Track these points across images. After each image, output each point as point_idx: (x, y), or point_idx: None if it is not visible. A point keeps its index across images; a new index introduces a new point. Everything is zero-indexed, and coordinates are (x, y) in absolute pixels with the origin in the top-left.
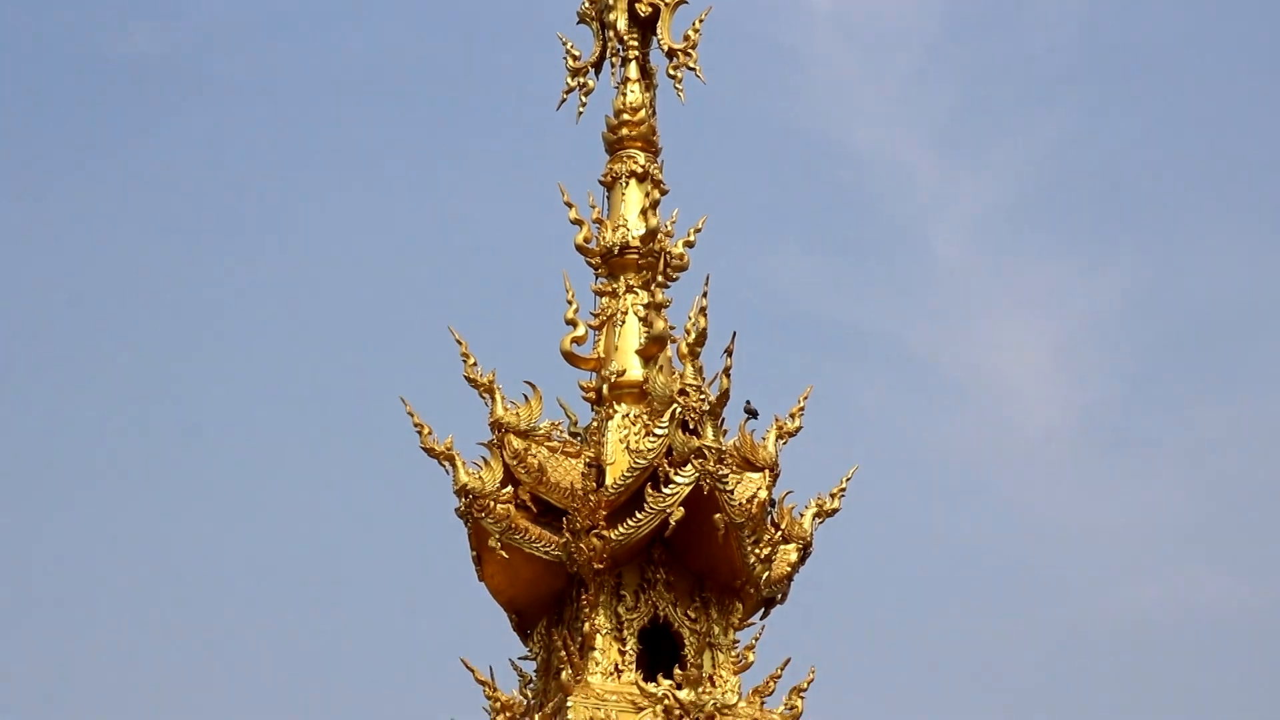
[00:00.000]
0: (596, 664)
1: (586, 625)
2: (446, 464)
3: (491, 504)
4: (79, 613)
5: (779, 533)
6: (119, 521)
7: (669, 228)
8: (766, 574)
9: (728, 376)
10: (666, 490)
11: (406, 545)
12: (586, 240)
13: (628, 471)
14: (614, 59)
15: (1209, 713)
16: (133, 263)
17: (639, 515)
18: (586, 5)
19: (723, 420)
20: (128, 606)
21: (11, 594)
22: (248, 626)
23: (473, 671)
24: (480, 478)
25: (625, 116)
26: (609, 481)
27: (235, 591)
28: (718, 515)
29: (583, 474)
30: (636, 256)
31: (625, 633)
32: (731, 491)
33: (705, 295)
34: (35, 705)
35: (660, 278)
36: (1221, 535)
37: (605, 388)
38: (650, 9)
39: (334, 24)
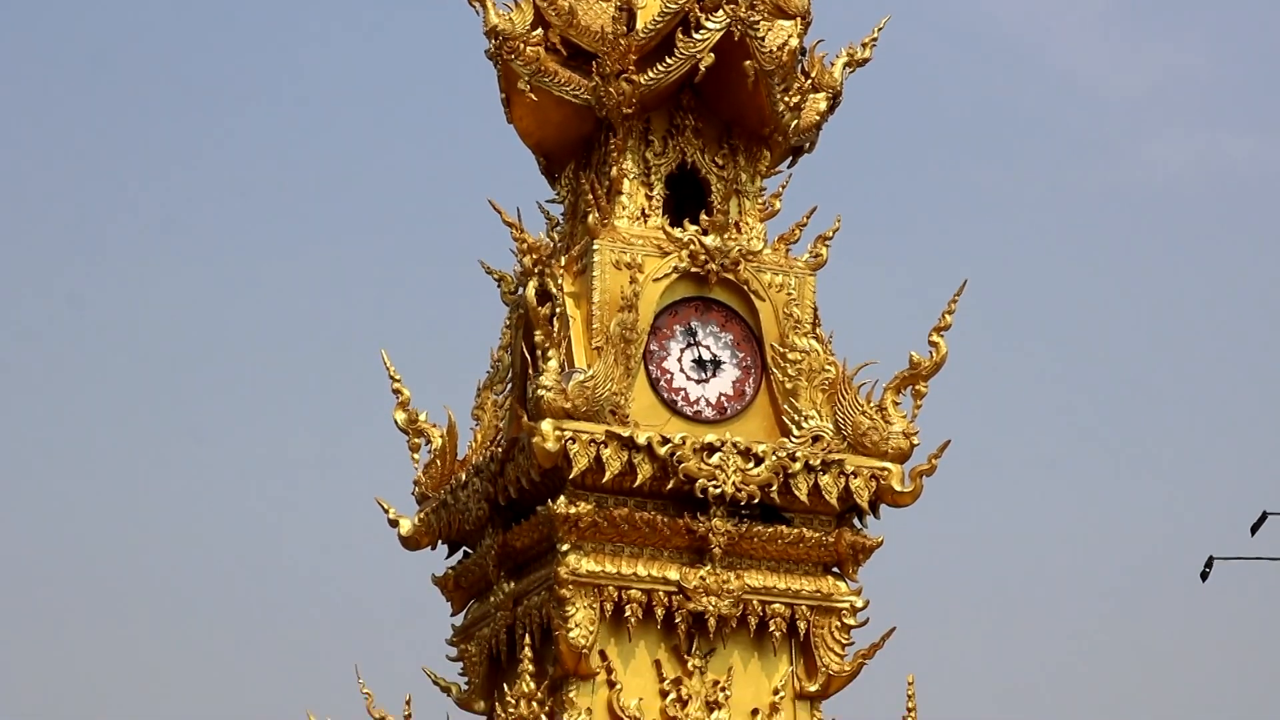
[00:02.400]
0: (623, 208)
1: (614, 170)
2: (477, 5)
3: (521, 46)
4: None
5: (809, 81)
6: None
7: None
8: (795, 122)
9: None
10: (697, 35)
11: (436, 85)
12: None
13: (659, 16)
14: None
15: (1232, 271)
16: None
17: (669, 60)
18: None
19: None
20: None
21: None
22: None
23: (500, 214)
24: (510, 19)
25: None
26: (639, 26)
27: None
28: (748, 62)
29: (613, 18)
30: None
31: (652, 178)
32: (762, 38)
33: None
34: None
35: None
36: (1252, 98)
37: None
38: None
39: None
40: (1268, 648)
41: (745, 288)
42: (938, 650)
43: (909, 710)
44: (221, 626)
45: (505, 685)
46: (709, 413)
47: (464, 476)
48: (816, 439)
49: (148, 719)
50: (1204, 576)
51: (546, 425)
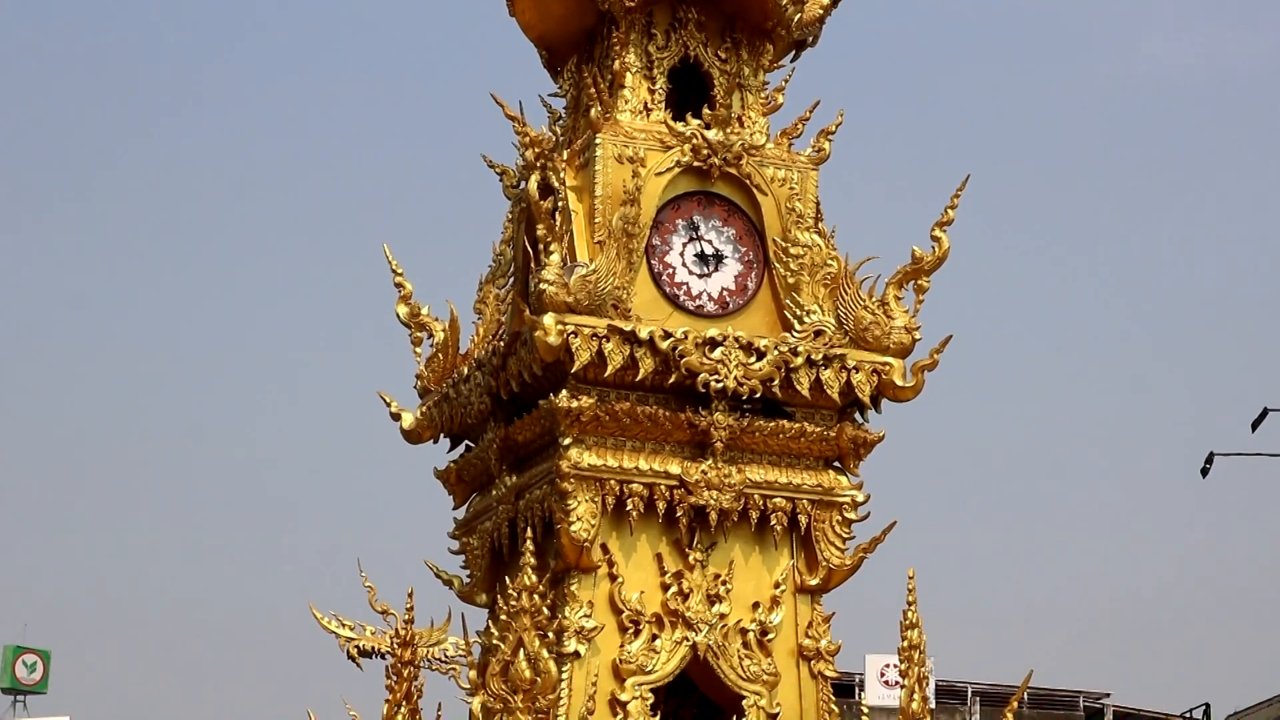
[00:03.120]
0: (626, 102)
1: (616, 63)
2: None
3: None
4: None
5: None
6: None
7: None
8: (798, 16)
9: None
10: None
11: None
12: None
13: None
14: None
15: (1233, 166)
16: None
17: None
18: None
19: None
20: None
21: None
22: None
23: (503, 107)
24: None
25: None
26: None
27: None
28: None
29: None
30: None
31: (655, 71)
32: None
33: None
34: None
35: None
36: None
37: None
38: None
39: None
40: (1267, 542)
41: (748, 182)
42: (938, 543)
43: (909, 604)
44: (225, 520)
45: (507, 578)
46: (711, 307)
47: (466, 370)
48: (818, 334)
49: (155, 607)
50: (1204, 472)
51: (548, 319)
